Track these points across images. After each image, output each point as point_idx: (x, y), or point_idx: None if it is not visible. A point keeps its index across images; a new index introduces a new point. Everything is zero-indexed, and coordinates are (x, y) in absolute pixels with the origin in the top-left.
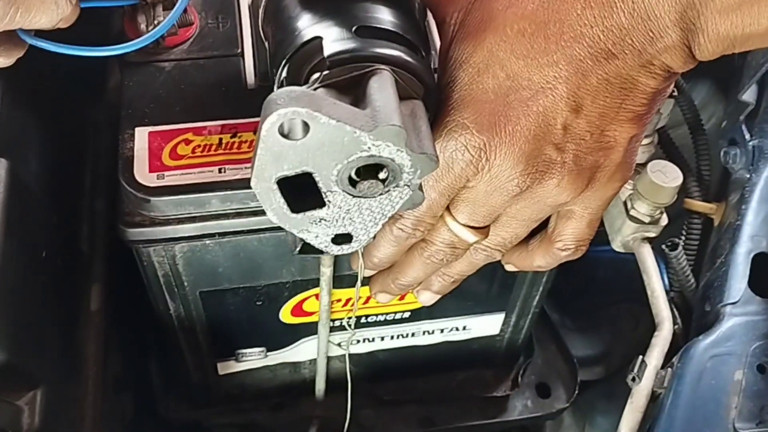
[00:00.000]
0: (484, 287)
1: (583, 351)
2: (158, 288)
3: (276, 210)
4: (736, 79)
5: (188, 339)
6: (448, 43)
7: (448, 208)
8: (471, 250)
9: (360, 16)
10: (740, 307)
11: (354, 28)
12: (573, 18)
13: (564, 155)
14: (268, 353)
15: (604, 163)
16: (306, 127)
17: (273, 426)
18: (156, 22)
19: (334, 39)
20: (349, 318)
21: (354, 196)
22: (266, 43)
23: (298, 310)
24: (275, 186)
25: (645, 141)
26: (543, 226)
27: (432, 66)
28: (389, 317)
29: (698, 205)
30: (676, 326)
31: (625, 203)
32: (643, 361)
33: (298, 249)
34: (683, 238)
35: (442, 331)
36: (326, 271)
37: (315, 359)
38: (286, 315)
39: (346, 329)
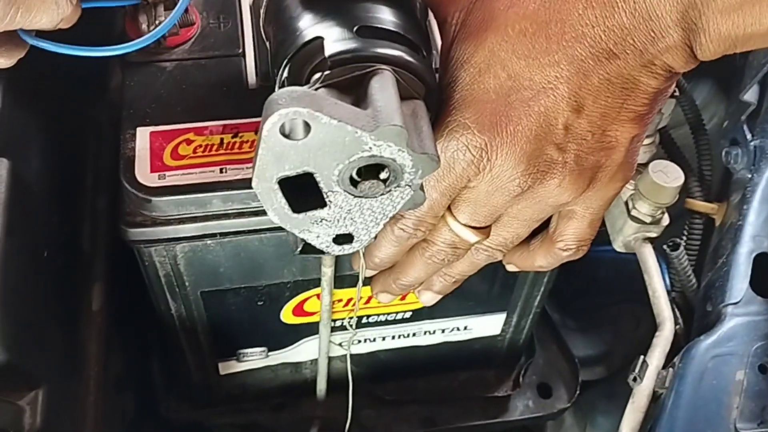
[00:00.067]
0: (486, 287)
1: (584, 351)
2: (159, 288)
3: (277, 210)
4: (737, 79)
5: (189, 339)
6: (450, 43)
7: (449, 208)
8: (472, 250)
9: (361, 16)
10: (742, 307)
11: (355, 28)
12: (574, 18)
13: (565, 155)
14: (270, 353)
15: (606, 163)
16: (307, 127)
17: (274, 426)
18: (157, 22)
19: (335, 39)
20: (351, 318)
21: (355, 197)
22: (267, 43)
23: (299, 310)
24: (276, 186)
25: (646, 141)
26: (544, 226)
27: (433, 66)
28: (390, 317)
29: (700, 205)
30: (678, 326)
31: (626, 203)
32: (644, 361)
33: (299, 249)
34: (685, 238)
35: (443, 331)
36: (327, 271)
37: (316, 359)
38: (287, 315)
39: (347, 329)
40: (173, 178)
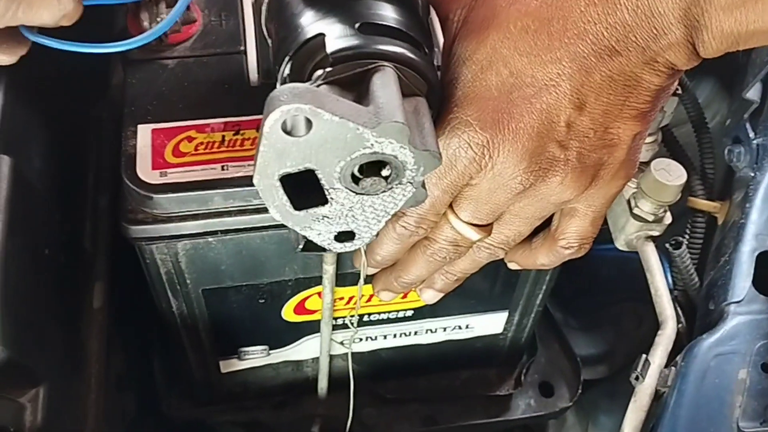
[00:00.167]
0: (487, 285)
1: (586, 350)
2: (161, 286)
3: (279, 207)
4: (740, 77)
5: (191, 337)
6: (452, 40)
7: (451, 206)
8: (474, 248)
9: (363, 13)
10: (744, 305)
11: (357, 25)
12: (576, 15)
13: (567, 152)
14: (271, 351)
15: (608, 161)
16: (309, 123)
17: (275, 424)
18: (159, 19)
19: (337, 36)
20: (352, 316)
21: (357, 194)
22: (269, 40)
23: (300, 308)
24: (278, 183)
25: (649, 139)
26: (546, 224)
27: (435, 63)
28: (392, 315)
29: (702, 203)
30: (680, 325)
31: (628, 201)
32: (646, 359)
33: (300, 246)
34: (687, 236)
35: (444, 329)
36: (329, 269)
37: (317, 357)
38: (288, 313)
39: (348, 327)
40: (175, 176)
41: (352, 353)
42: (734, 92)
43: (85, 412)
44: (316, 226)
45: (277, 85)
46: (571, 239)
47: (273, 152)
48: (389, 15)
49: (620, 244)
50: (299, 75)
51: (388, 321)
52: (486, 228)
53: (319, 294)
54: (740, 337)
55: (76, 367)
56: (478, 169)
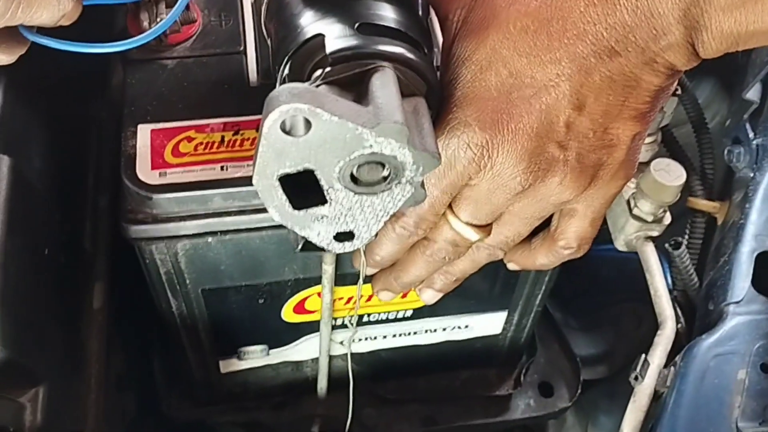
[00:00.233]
0: (487, 285)
1: (586, 350)
2: (161, 286)
3: (278, 207)
4: (740, 78)
5: (190, 337)
6: (451, 40)
7: (450, 206)
8: (473, 248)
9: (362, 13)
10: (744, 306)
11: (356, 25)
12: (576, 15)
13: (567, 153)
14: (270, 351)
15: (607, 161)
16: (308, 123)
17: (275, 424)
18: (159, 19)
19: (336, 36)
20: (351, 316)
21: (356, 194)
22: (269, 41)
23: (300, 308)
24: (277, 183)
25: (648, 139)
26: (546, 224)
27: (435, 63)
28: (391, 315)
29: (702, 203)
30: (679, 325)
31: (628, 202)
32: (645, 360)
33: (300, 247)
34: (686, 236)
35: (444, 329)
36: (328, 269)
37: (317, 358)
38: (288, 313)
39: (348, 327)
40: (174, 176)
41: (352, 353)
42: (734, 93)
43: (85, 412)
44: (315, 226)
45: (277, 85)
46: (570, 239)
47: (272, 152)
48: (388, 15)
49: (620, 245)
50: (298, 75)
51: (388, 321)
52: (485, 228)
53: (318, 294)
54: (739, 337)
55: (76, 367)
56: (478, 169)
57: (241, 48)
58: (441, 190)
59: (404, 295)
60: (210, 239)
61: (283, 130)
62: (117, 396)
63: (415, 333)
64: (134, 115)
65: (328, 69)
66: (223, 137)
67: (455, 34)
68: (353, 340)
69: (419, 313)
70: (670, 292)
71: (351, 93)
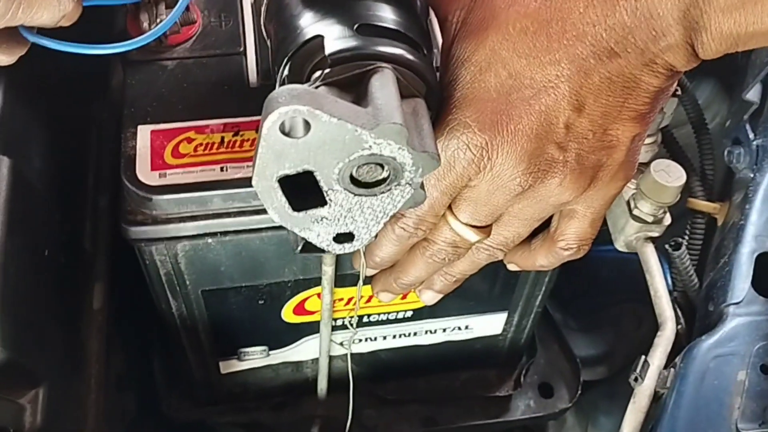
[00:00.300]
0: (487, 286)
1: (586, 351)
2: (160, 286)
3: (277, 208)
4: (740, 78)
5: (190, 338)
6: (450, 41)
7: (450, 207)
8: (473, 249)
9: (362, 14)
10: (743, 307)
11: (356, 26)
12: (575, 16)
13: (566, 154)
14: (270, 352)
15: (607, 162)
16: (307, 125)
17: (275, 425)
18: (158, 20)
19: (335, 37)
20: (351, 317)
21: (355, 195)
22: (268, 42)
23: (300, 309)
24: (276, 184)
25: (648, 140)
26: (545, 225)
27: (434, 64)
28: (391, 316)
29: (702, 204)
30: (680, 326)
31: (628, 203)
32: (645, 361)
33: (299, 248)
34: (687, 237)
35: (444, 330)
36: (328, 270)
37: (317, 358)
38: (288, 314)
39: (348, 328)
40: (174, 177)
41: (352, 354)
42: (734, 93)
43: (85, 413)
44: (315, 227)
45: (276, 86)
46: (570, 240)
47: (271, 154)
48: (388, 16)
49: (620, 245)
50: (298, 76)
51: (388, 322)
52: (485, 229)
53: (318, 295)
54: (739, 338)
55: (76, 367)
56: (477, 170)
57: (241, 49)
58: (440, 191)
59: (404, 296)
60: (210, 240)
61: (283, 131)
62: (117, 396)
63: (415, 334)
64: (134, 115)
65: (327, 70)
66: (222, 138)
67: (455, 35)
68: (353, 341)
69: (419, 314)
70: (670, 293)
71: (350, 94)
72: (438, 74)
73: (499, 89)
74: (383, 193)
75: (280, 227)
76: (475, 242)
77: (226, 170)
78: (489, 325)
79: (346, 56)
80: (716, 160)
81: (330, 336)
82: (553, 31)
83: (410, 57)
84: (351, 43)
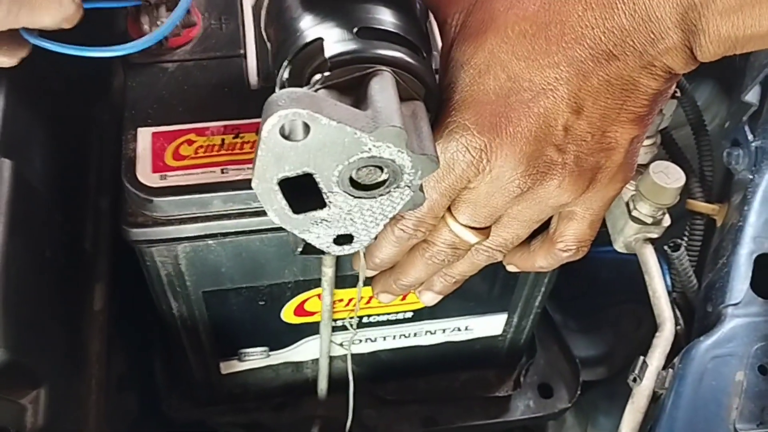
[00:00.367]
0: (486, 287)
1: (585, 351)
2: (161, 288)
3: (277, 211)
4: (739, 80)
5: (191, 338)
6: (450, 44)
7: (449, 209)
8: (472, 250)
9: (361, 18)
10: (742, 308)
11: (355, 30)
12: (574, 19)
13: (565, 156)
14: (271, 353)
15: (606, 164)
16: (307, 128)
17: (275, 425)
18: (159, 23)
19: (335, 40)
20: (351, 318)
21: (355, 197)
22: (269, 44)
23: (300, 310)
24: (276, 187)
25: (648, 142)
26: (545, 226)
27: (433, 67)
28: (391, 317)
29: (701, 206)
30: (678, 327)
31: (627, 204)
32: (644, 361)
33: (299, 249)
34: (686, 239)
35: (444, 331)
36: (328, 272)
37: (317, 359)
38: (288, 315)
39: (348, 329)
40: (175, 179)
41: (352, 355)
42: (733, 95)
43: (86, 413)
44: (315, 229)
45: (276, 89)
46: (569, 242)
47: (271, 156)
48: (387, 19)
49: (619, 247)
50: (298, 79)
51: (388, 323)
52: (484, 231)
53: (318, 296)
54: (737, 339)
55: (77, 368)
56: (476, 172)
57: (242, 51)
58: (440, 193)
59: (404, 297)
60: (210, 242)
61: (282, 134)
62: (118, 397)
63: (415, 334)
64: (135, 118)
65: (327, 73)
66: (223, 140)
67: (454, 37)
68: (353, 342)
69: (419, 314)
70: (669, 293)
71: (350, 97)
72: (437, 77)
73: (498, 92)
74: (382, 195)
75: (281, 229)
76: (475, 244)
77: (227, 172)
78: (489, 325)
79: (346, 59)
80: (715, 162)
81: (330, 337)
82: (552, 34)
83: (409, 60)
84: (350, 46)
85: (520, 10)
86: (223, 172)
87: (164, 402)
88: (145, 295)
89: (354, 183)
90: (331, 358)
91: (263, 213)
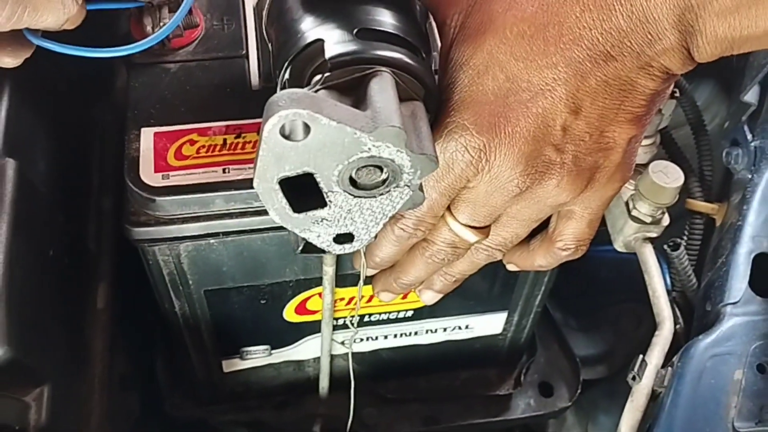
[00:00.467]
0: (486, 286)
1: (585, 350)
2: (163, 287)
3: (278, 210)
4: (738, 80)
5: (193, 337)
6: (449, 45)
7: (449, 208)
8: (472, 249)
9: (361, 19)
10: (741, 307)
11: (355, 31)
12: (572, 20)
13: (563, 156)
14: (272, 351)
15: (604, 164)
16: (307, 128)
17: (277, 424)
18: (162, 23)
19: (335, 41)
20: (352, 317)
21: (355, 197)
22: (270, 45)
23: (301, 309)
24: (277, 186)
25: (647, 141)
26: (544, 225)
27: (432, 67)
28: (392, 316)
29: (700, 205)
30: (678, 326)
31: (627, 203)
32: (643, 360)
33: (300, 248)
34: (685, 238)
35: (444, 329)
36: (329, 270)
37: (318, 357)
38: (289, 313)
39: (349, 328)
40: (177, 178)
41: (353, 353)
42: (732, 95)
43: (88, 412)
44: (316, 228)
45: (277, 89)
46: (568, 241)
47: (272, 156)
48: (387, 21)
49: (619, 246)
50: (298, 80)
51: (389, 321)
52: (483, 230)
53: (319, 295)
54: (736, 338)
55: (80, 366)
56: (475, 172)
57: (243, 52)
58: (439, 192)
59: (404, 296)
60: (212, 241)
61: (283, 134)
62: (120, 395)
63: (415, 333)
64: (137, 118)
65: (327, 74)
66: (225, 140)
67: (453, 38)
68: (354, 340)
69: (420, 313)
70: (669, 292)
71: (350, 97)
72: (436, 77)
73: (497, 92)
74: (382, 194)
75: (282, 228)
76: (474, 243)
77: (228, 172)
78: (489, 324)
79: (346, 60)
80: (714, 161)
81: (331, 335)
82: (550, 35)
83: (409, 61)
84: (350, 47)
85: (519, 12)
86: (224, 172)
87: (166, 401)
88: (148, 295)
89: (354, 182)
90: (333, 357)
91: (264, 212)
